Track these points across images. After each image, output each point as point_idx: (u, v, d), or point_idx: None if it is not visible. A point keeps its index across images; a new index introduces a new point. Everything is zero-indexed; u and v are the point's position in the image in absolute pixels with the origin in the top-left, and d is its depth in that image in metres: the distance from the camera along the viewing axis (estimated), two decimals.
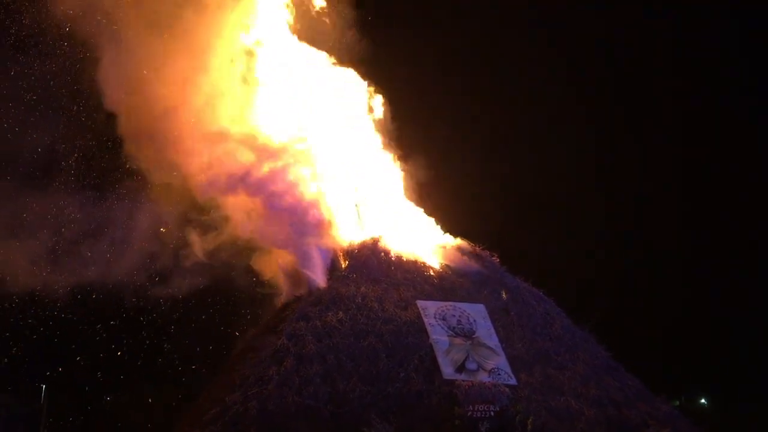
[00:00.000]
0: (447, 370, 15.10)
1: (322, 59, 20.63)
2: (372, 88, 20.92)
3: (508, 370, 15.55)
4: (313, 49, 20.60)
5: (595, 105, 33.84)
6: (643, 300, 30.71)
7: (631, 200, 33.93)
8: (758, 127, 32.31)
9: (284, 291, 17.75)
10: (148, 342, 21.09)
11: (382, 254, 18.16)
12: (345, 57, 20.87)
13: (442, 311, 16.51)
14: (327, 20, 20.73)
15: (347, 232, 18.76)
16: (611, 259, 31.47)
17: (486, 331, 16.37)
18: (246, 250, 18.31)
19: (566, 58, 33.82)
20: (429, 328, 15.97)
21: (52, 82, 19.21)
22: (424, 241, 19.35)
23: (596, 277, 29.69)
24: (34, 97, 19.23)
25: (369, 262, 17.75)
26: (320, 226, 17.95)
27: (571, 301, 19.21)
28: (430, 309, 16.49)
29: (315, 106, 20.04)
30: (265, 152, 18.09)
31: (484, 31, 32.33)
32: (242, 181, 17.70)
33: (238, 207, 18.21)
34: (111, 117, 18.88)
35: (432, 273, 18.10)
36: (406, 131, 21.81)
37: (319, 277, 17.00)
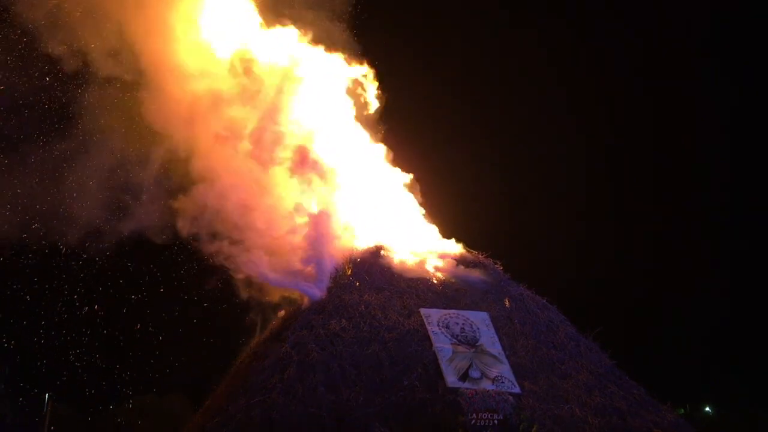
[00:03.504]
0: (450, 379, 15.06)
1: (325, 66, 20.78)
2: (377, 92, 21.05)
3: (512, 378, 15.50)
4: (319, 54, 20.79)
5: (601, 113, 33.99)
6: (647, 306, 30.66)
7: (634, 205, 33.99)
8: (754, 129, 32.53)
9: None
10: (151, 350, 21.09)
11: (386, 262, 18.17)
12: (348, 65, 21.00)
13: (446, 319, 16.48)
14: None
15: (353, 240, 18.80)
16: (614, 266, 31.45)
17: (489, 339, 16.33)
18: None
19: (570, 69, 34.04)
20: (432, 336, 15.94)
21: None
22: (428, 249, 19.34)
23: (599, 284, 29.66)
24: None
25: (372, 270, 17.74)
26: (333, 235, 18.02)
27: (575, 308, 19.16)
28: (433, 317, 16.46)
29: (323, 115, 20.17)
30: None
31: (496, 44, 32.55)
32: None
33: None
34: None
35: (435, 281, 18.08)
36: (412, 139, 21.88)
37: (319, 289, 16.97)
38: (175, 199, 18.47)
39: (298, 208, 18.22)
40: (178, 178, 18.87)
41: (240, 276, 17.80)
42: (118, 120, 19.10)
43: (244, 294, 18.25)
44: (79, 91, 19.11)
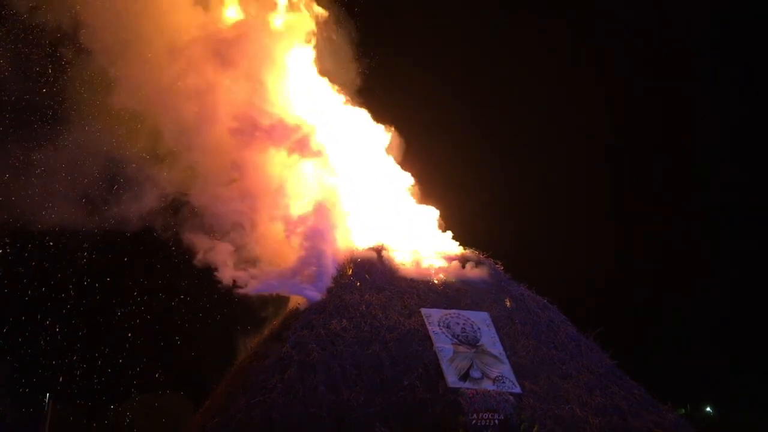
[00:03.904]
0: (451, 379, 15.05)
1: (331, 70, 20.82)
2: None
3: (513, 378, 15.49)
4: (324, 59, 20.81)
5: (601, 112, 34.00)
6: (647, 306, 30.65)
7: (634, 205, 33.99)
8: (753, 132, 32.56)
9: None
10: (152, 350, 21.07)
11: (387, 262, 18.16)
12: (353, 69, 21.05)
13: (447, 319, 16.47)
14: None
15: (353, 240, 18.78)
16: (614, 266, 31.44)
17: (490, 339, 16.32)
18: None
19: (570, 69, 34.06)
20: (433, 336, 15.93)
21: None
22: (429, 249, 19.32)
23: (600, 284, 29.67)
24: None
25: (373, 270, 17.73)
26: (333, 235, 17.98)
27: (576, 308, 19.14)
28: (434, 317, 16.45)
29: (326, 116, 20.14)
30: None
31: (497, 45, 32.53)
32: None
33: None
34: None
35: (436, 281, 18.07)
36: (412, 140, 21.86)
37: (318, 290, 16.90)
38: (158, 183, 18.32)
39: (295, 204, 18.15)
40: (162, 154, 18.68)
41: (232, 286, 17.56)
42: (97, 105, 18.92)
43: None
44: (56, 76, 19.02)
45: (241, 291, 17.22)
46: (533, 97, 34.06)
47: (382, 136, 21.11)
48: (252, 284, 17.31)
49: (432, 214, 20.62)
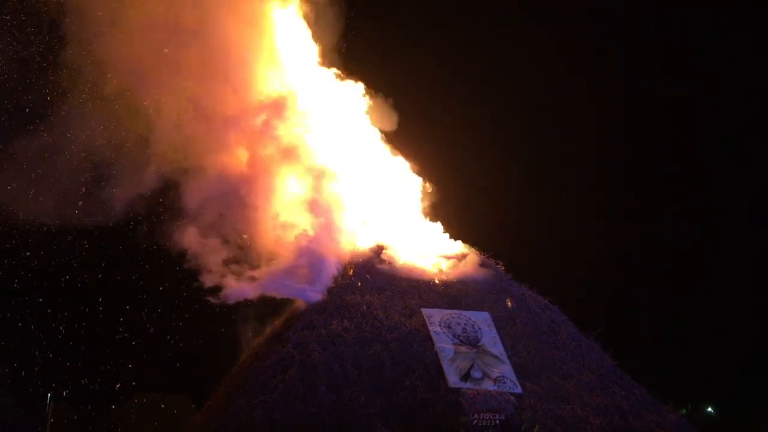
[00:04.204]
0: (452, 379, 15.05)
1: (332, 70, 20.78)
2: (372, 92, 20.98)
3: (514, 378, 15.50)
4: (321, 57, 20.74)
5: (601, 113, 34.02)
6: (648, 306, 30.69)
7: (635, 205, 34.00)
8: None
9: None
10: (153, 350, 21.08)
11: (387, 262, 18.17)
12: (355, 67, 21.03)
13: (447, 319, 16.48)
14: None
15: (354, 240, 18.78)
16: (615, 266, 31.45)
17: (491, 339, 16.33)
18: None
19: (570, 69, 34.08)
20: (434, 336, 15.93)
21: None
22: (430, 249, 19.32)
23: (601, 284, 29.70)
24: None
25: (374, 270, 17.73)
26: (335, 236, 17.96)
27: (577, 308, 19.15)
28: (435, 317, 16.46)
29: (326, 117, 20.10)
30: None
31: (500, 42, 32.54)
32: None
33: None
34: None
35: (437, 281, 18.07)
36: (415, 141, 21.85)
37: (316, 290, 16.86)
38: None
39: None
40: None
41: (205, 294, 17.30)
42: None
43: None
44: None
45: (214, 301, 17.03)
46: (534, 97, 34.09)
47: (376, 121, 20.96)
48: (234, 288, 17.14)
49: (433, 215, 20.59)
